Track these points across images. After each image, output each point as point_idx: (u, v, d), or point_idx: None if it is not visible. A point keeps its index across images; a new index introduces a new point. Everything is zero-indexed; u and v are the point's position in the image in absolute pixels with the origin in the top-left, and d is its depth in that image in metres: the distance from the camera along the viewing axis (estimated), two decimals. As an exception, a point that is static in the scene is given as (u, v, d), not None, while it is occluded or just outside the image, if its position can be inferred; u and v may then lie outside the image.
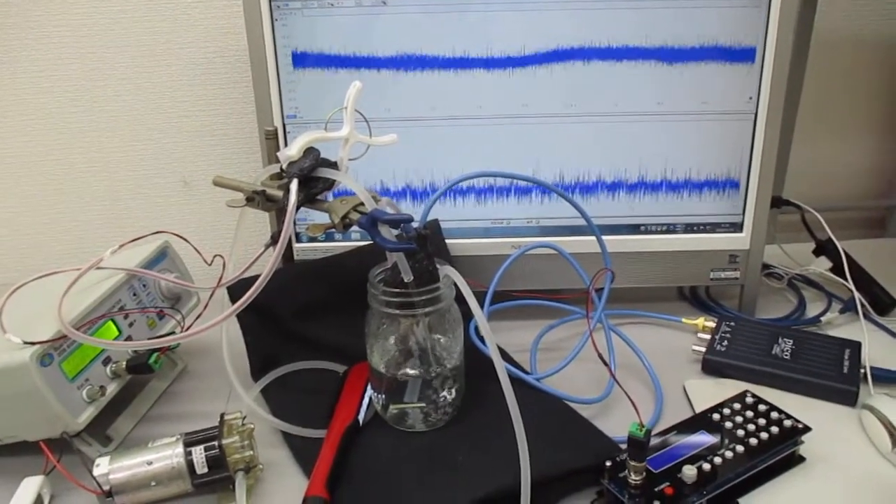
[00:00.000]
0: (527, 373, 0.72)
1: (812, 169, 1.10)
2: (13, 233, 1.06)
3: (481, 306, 0.75)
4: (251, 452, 0.60)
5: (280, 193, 0.62)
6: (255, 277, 0.59)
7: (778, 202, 0.93)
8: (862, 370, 0.71)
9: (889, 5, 1.03)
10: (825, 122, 1.09)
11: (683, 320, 0.82)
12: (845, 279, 0.85)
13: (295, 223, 0.84)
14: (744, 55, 0.77)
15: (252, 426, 0.61)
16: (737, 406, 0.64)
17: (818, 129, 1.08)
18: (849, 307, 0.84)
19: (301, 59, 0.78)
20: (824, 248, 0.91)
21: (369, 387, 0.69)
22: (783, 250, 0.96)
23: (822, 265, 0.91)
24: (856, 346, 0.74)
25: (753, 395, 0.66)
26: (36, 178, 1.03)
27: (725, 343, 0.76)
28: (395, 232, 0.61)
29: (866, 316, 0.82)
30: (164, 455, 0.58)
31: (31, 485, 0.59)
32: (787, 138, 1.00)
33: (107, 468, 0.58)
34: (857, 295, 0.82)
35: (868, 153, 1.12)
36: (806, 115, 1.01)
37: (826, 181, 1.13)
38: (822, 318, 0.84)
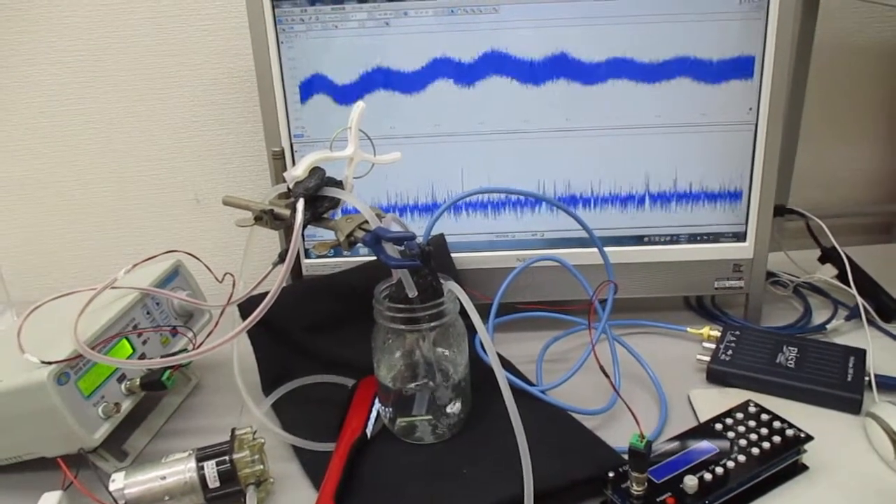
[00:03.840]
0: (532, 384, 0.73)
1: (817, 176, 1.11)
2: (30, 252, 1.09)
3: (487, 319, 0.76)
4: (261, 467, 0.61)
5: (287, 212, 0.64)
6: (265, 294, 0.60)
7: (781, 210, 0.93)
8: (867, 378, 0.71)
9: (891, 12, 1.03)
10: (829, 130, 1.09)
11: (688, 330, 0.83)
12: (850, 286, 0.85)
13: (304, 240, 0.86)
14: (743, 66, 0.78)
15: (262, 441, 0.63)
16: (739, 415, 0.65)
17: (822, 137, 1.09)
18: (854, 314, 0.84)
19: (308, 83, 0.80)
20: (829, 256, 0.91)
21: (377, 400, 0.70)
22: (789, 258, 0.97)
23: (828, 272, 0.91)
24: (861, 354, 0.75)
25: (756, 405, 0.66)
26: (51, 198, 1.06)
27: (730, 352, 0.77)
28: (400, 248, 0.62)
29: (872, 323, 0.83)
30: (177, 470, 0.60)
31: (51, 500, 0.61)
32: (791, 146, 1.00)
33: (122, 483, 0.59)
34: (861, 302, 0.82)
35: (873, 159, 1.13)
36: (810, 123, 1.02)
37: (831, 188, 1.13)
38: (828, 326, 0.85)
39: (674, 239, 0.85)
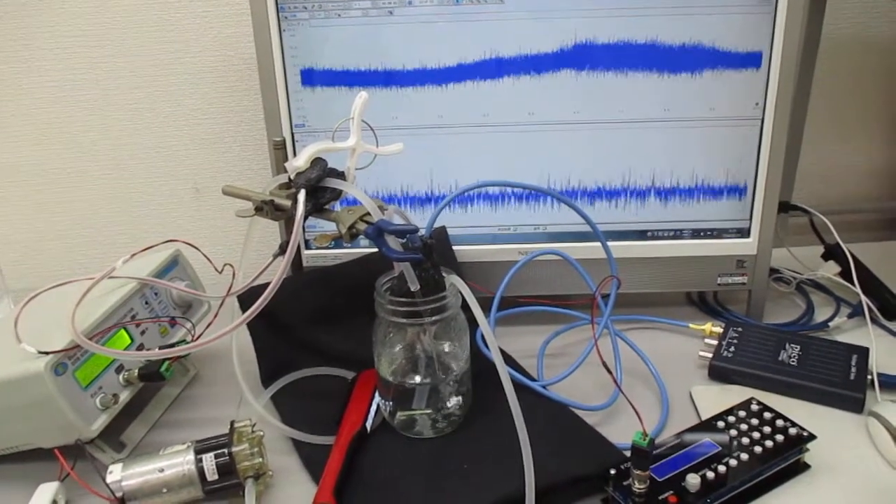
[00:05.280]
0: (533, 379, 0.73)
1: (821, 172, 1.10)
2: (28, 240, 1.08)
3: (488, 312, 0.76)
4: (260, 460, 0.61)
5: (288, 203, 0.63)
6: (265, 285, 0.60)
7: (785, 207, 0.93)
8: (869, 376, 0.71)
9: (899, 7, 1.03)
10: (834, 126, 1.09)
11: (690, 326, 0.83)
12: (853, 284, 0.85)
13: (304, 231, 0.85)
14: (750, 61, 0.77)
15: (261, 433, 0.62)
16: (742, 413, 0.65)
17: (827, 133, 1.08)
18: (857, 312, 0.84)
19: (309, 71, 0.79)
20: (833, 252, 0.91)
21: (377, 393, 0.70)
22: (792, 254, 0.96)
23: (831, 269, 0.91)
24: (863, 352, 0.74)
25: (759, 403, 0.66)
26: (49, 186, 1.05)
27: (732, 349, 0.76)
28: (402, 241, 0.62)
29: (874, 321, 0.82)
30: (176, 462, 0.59)
31: (47, 491, 0.61)
32: (795, 142, 1.00)
33: (119, 475, 0.59)
34: (864, 300, 0.82)
35: (878, 156, 1.12)
36: (815, 119, 1.01)
37: (836, 184, 1.12)
38: (830, 324, 0.84)
39: (677, 234, 0.85)
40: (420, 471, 0.62)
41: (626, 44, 0.77)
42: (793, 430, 0.62)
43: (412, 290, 0.62)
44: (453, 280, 0.62)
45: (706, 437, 0.62)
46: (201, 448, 0.60)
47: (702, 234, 0.85)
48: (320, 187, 0.63)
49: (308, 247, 0.86)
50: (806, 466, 0.62)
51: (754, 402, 0.66)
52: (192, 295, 0.74)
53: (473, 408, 0.69)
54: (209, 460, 0.59)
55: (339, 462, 0.61)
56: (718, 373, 0.75)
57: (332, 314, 0.77)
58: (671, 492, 0.56)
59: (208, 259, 0.74)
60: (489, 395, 0.67)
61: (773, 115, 0.78)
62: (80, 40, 0.97)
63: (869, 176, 1.13)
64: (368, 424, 0.67)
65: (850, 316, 0.85)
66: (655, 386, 0.74)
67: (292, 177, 0.63)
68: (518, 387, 0.57)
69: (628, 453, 0.57)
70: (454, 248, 0.83)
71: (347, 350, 0.75)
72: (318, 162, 0.63)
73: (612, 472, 0.58)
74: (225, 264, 0.71)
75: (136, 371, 0.66)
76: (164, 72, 1.00)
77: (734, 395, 0.70)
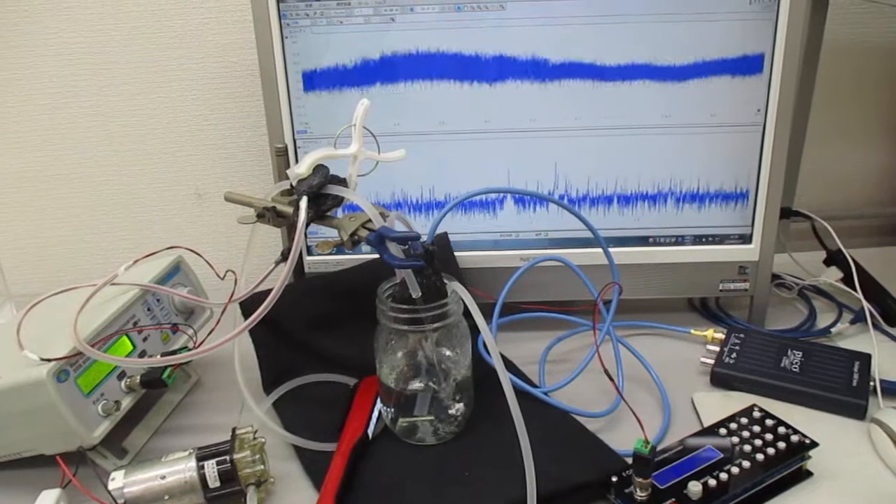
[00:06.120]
0: (535, 386, 0.73)
1: (823, 177, 1.10)
2: (30, 246, 1.08)
3: (490, 319, 0.76)
4: (262, 467, 0.61)
5: (290, 210, 0.63)
6: (267, 292, 0.60)
7: (787, 212, 0.93)
8: (871, 383, 0.71)
9: (900, 13, 1.03)
10: (836, 131, 1.08)
11: (692, 332, 0.82)
12: (856, 290, 0.85)
13: (306, 237, 0.85)
14: (752, 67, 0.78)
15: (263, 440, 0.62)
16: (744, 420, 0.64)
17: (829, 138, 1.08)
18: (859, 318, 0.84)
19: (311, 79, 0.79)
20: (835, 258, 0.91)
21: (379, 400, 0.69)
22: (794, 260, 0.96)
23: (833, 275, 0.91)
24: (865, 359, 0.74)
25: (761, 410, 0.66)
26: (52, 192, 1.05)
27: (734, 355, 0.76)
28: (404, 247, 0.62)
29: (877, 327, 0.82)
30: (177, 469, 0.59)
31: (49, 497, 0.60)
32: (797, 148, 0.99)
33: (121, 482, 0.59)
34: (866, 306, 0.82)
35: (880, 161, 1.12)
36: (817, 124, 1.01)
37: (838, 189, 1.12)
38: (833, 330, 0.84)
39: (679, 240, 0.85)
40: (422, 477, 0.62)
41: (628, 51, 0.77)
42: (795, 438, 0.62)
43: (414, 297, 0.62)
44: (455, 287, 0.62)
45: (708, 444, 0.62)
46: (203, 455, 0.60)
47: (703, 240, 0.85)
48: (322, 194, 0.63)
49: (310, 253, 0.86)
50: (808, 474, 0.61)
51: (756, 409, 0.66)
52: (194, 301, 0.74)
53: (475, 414, 0.69)
54: (211, 467, 0.59)
55: (341, 469, 0.61)
56: (720, 379, 0.75)
57: (333, 321, 0.77)
58: (673, 499, 0.56)
59: (210, 265, 0.74)
60: (491, 401, 0.67)
61: (775, 121, 0.78)
62: (83, 47, 0.98)
63: (871, 181, 1.13)
64: (370, 431, 0.67)
65: (853, 322, 0.84)
66: (657, 392, 0.74)
67: (294, 183, 0.63)
68: (519, 393, 0.57)
69: (630, 460, 0.57)
70: (456, 254, 0.83)
71: (349, 356, 0.75)
72: (319, 169, 0.63)
73: (614, 479, 0.58)
74: (227, 270, 0.71)
75: (138, 378, 0.66)
76: (166, 78, 1.00)
77: (736, 401, 0.70)
